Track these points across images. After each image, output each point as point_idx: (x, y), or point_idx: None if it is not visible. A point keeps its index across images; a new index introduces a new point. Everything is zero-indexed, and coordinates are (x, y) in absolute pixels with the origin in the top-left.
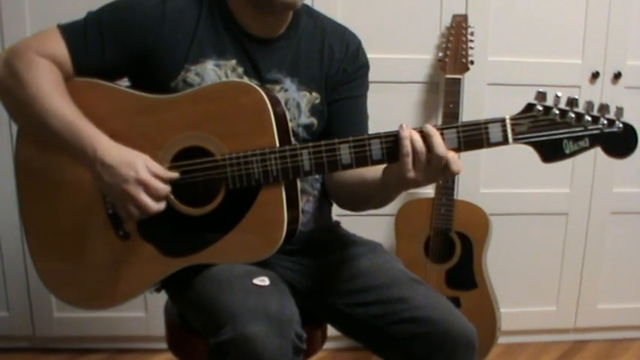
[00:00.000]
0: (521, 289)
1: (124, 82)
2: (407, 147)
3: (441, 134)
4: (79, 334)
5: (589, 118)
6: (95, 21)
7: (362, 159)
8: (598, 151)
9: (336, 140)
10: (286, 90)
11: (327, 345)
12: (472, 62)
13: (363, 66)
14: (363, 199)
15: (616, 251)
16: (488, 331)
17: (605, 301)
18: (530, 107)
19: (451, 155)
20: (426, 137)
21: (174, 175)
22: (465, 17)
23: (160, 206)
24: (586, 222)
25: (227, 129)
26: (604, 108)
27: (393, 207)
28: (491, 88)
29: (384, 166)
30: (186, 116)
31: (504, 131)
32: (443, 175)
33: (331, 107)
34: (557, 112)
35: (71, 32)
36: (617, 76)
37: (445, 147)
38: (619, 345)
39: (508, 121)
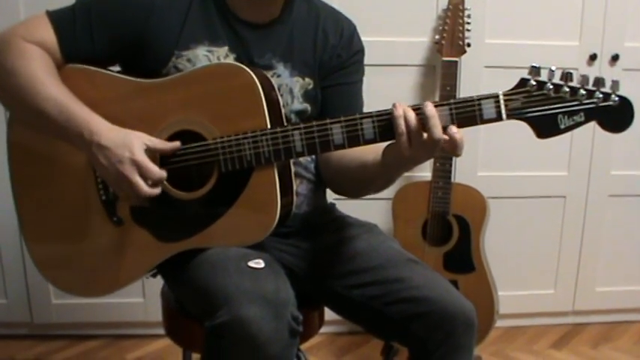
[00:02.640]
0: (519, 273)
1: (115, 68)
2: (401, 126)
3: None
4: (77, 320)
5: (584, 92)
6: (84, 8)
7: (354, 138)
8: (596, 133)
9: (328, 120)
10: (279, 75)
11: (326, 329)
12: (469, 45)
13: (359, 52)
14: (365, 182)
15: (614, 234)
16: (486, 314)
17: (603, 283)
18: (523, 82)
19: (459, 137)
20: (423, 118)
21: (176, 145)
22: None
23: (153, 191)
24: (584, 205)
25: (218, 112)
26: (599, 82)
27: (390, 190)
28: (488, 71)
29: (383, 148)
30: (178, 100)
31: (498, 107)
32: (442, 149)
33: (326, 93)
34: (551, 86)
35: (59, 19)
36: (615, 58)
37: (441, 129)
38: (617, 327)
39: (501, 97)
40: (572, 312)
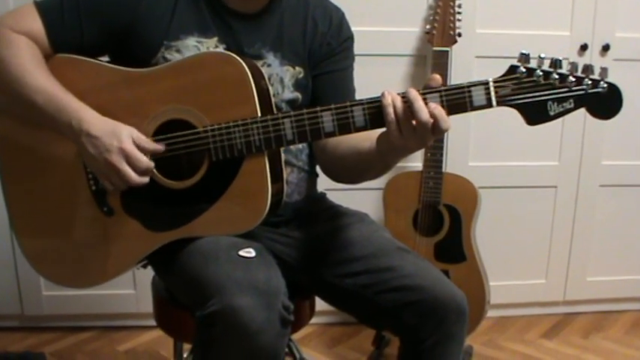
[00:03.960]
0: (510, 262)
1: (104, 58)
2: (390, 114)
3: (424, 99)
4: (68, 312)
5: (573, 79)
6: None
7: (345, 126)
8: (586, 123)
9: (319, 108)
10: (269, 65)
11: (317, 320)
12: (460, 35)
13: (348, 38)
14: (361, 170)
15: (605, 224)
16: (477, 304)
17: (594, 273)
18: (513, 69)
19: (438, 112)
20: (408, 103)
21: (160, 147)
22: None
23: (142, 180)
24: (575, 195)
25: (208, 100)
26: (588, 69)
27: (381, 180)
28: (479, 61)
29: (378, 135)
30: (167, 89)
31: (488, 94)
32: (433, 136)
33: (317, 81)
34: (540, 73)
35: (47, 9)
36: (606, 48)
37: (428, 112)
38: (608, 317)
39: (491, 84)
40: (563, 302)
